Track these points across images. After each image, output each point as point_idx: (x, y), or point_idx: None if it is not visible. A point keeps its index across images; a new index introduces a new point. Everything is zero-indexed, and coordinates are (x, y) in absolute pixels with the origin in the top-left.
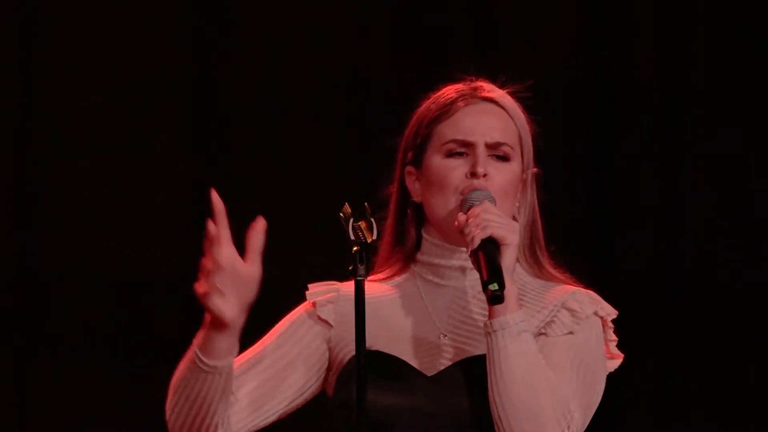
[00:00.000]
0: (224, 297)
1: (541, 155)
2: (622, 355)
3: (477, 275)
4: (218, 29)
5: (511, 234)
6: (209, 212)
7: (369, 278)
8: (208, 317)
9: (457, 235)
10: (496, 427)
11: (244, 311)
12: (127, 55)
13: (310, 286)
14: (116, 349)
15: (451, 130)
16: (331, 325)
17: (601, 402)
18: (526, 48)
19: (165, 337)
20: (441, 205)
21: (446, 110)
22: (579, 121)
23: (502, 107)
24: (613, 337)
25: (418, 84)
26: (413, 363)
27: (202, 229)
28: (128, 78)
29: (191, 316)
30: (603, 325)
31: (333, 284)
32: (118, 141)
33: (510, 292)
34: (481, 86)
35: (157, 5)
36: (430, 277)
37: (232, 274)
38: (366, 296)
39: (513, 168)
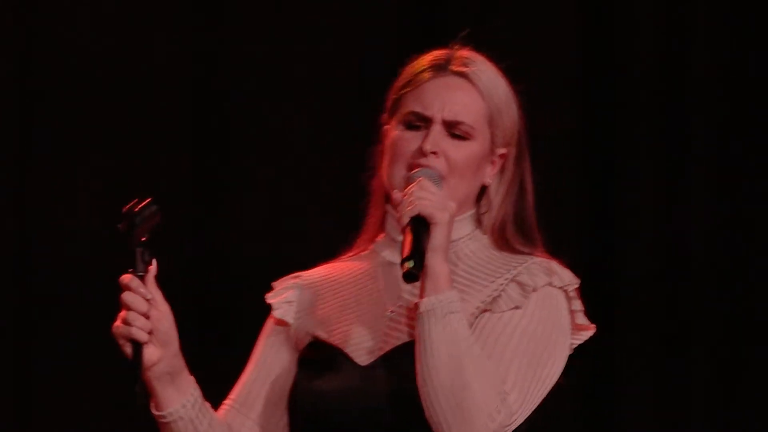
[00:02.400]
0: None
1: (540, 154)
2: (593, 326)
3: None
4: (218, 28)
5: (440, 212)
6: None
7: (347, 253)
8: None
9: None
10: (425, 413)
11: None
12: (126, 55)
13: (274, 284)
14: (117, 350)
15: (413, 101)
16: (289, 324)
17: (600, 401)
18: (526, 48)
19: None
20: (390, 177)
21: (413, 79)
22: (579, 120)
23: (473, 83)
24: (579, 306)
25: None
26: (352, 349)
27: (204, 229)
28: (128, 77)
29: (191, 316)
30: (566, 296)
31: (295, 276)
32: (118, 141)
33: (440, 271)
34: (457, 57)
35: (157, 4)
36: (385, 255)
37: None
38: (329, 277)
39: (473, 148)
